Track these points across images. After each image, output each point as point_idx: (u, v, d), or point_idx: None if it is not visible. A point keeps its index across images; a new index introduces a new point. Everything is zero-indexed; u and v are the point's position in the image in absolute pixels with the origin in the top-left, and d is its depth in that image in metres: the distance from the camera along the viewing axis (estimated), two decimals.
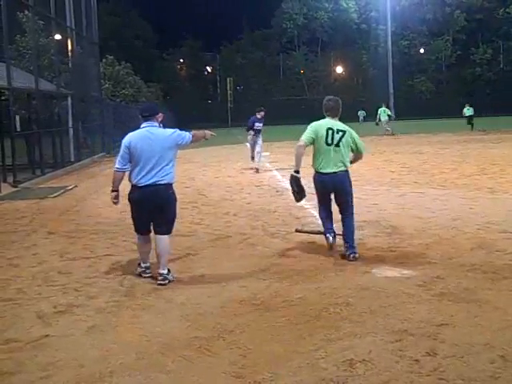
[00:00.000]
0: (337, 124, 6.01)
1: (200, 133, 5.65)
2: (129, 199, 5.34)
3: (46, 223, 8.47)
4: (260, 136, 14.58)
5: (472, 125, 30.21)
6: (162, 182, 5.19)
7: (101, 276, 5.51)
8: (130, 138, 5.28)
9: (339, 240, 6.31)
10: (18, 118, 14.00)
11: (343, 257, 5.88)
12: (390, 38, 54.68)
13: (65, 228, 8.01)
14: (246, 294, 4.81)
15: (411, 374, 3.29)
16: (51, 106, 18.09)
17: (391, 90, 54.31)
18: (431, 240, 6.49)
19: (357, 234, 6.16)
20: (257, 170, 14.24)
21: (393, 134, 28.44)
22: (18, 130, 13.92)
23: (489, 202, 8.94)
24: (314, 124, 6.08)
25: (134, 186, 5.27)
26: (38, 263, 6.07)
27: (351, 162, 6.16)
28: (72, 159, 18.31)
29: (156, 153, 5.16)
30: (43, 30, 19.98)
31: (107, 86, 34.03)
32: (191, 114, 51.18)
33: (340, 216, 6.13)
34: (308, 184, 6.28)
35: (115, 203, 5.40)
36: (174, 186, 5.39)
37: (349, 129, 6.06)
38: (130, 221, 5.55)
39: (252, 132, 14.62)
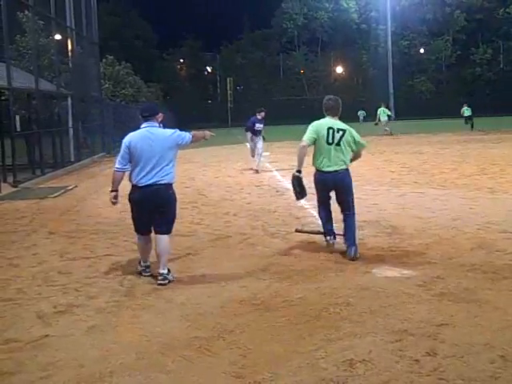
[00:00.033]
0: (337, 123, 6.07)
1: (200, 133, 5.68)
2: (129, 199, 5.35)
3: (46, 223, 8.47)
4: (261, 137, 14.54)
5: (472, 124, 30.21)
6: (163, 182, 5.20)
7: (101, 276, 5.51)
8: (131, 138, 5.29)
9: (339, 240, 6.33)
10: (18, 117, 14.01)
11: (344, 256, 5.90)
12: (390, 37, 54.75)
13: (65, 228, 8.01)
14: (246, 293, 4.81)
15: (411, 374, 3.29)
16: (51, 106, 18.09)
17: (391, 90, 54.36)
18: (431, 240, 6.49)
19: (357, 234, 6.17)
20: (256, 171, 14.23)
21: (391, 134, 28.40)
22: (18, 129, 13.93)
23: (489, 202, 8.94)
24: (315, 123, 6.12)
25: (134, 186, 5.28)
26: (38, 263, 6.07)
27: (351, 161, 6.21)
28: (72, 159, 18.31)
29: (156, 153, 5.17)
30: (43, 30, 19.99)
31: (107, 85, 34.03)
32: (191, 114, 51.17)
33: (341, 215, 6.16)
34: (309, 184, 6.30)
35: (114, 203, 5.39)
36: (174, 186, 5.40)
37: (349, 127, 6.13)
38: (130, 221, 5.55)
39: (250, 134, 14.61)
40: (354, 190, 6.25)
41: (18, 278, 5.51)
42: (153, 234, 5.38)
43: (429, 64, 59.53)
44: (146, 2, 67.10)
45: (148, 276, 5.42)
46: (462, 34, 59.24)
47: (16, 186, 12.79)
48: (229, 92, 55.11)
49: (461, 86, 56.25)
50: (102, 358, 3.65)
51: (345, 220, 6.10)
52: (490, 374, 3.26)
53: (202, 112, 54.45)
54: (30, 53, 18.48)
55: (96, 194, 11.38)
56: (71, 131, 18.73)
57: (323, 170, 6.02)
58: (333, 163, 5.97)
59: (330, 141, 5.96)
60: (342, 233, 6.52)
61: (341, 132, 6.00)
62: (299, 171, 6.11)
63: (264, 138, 14.87)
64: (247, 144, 15.77)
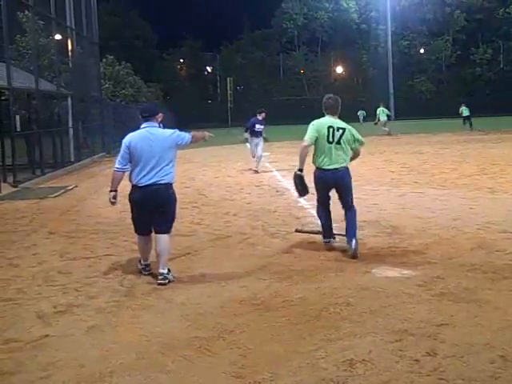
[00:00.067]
0: (337, 122, 6.15)
1: (199, 134, 5.72)
2: (129, 199, 5.35)
3: (46, 223, 8.47)
4: (261, 138, 14.50)
5: (470, 124, 30.23)
6: (163, 182, 5.21)
7: (101, 276, 5.51)
8: (131, 138, 5.30)
9: (339, 240, 6.34)
10: (18, 117, 14.00)
11: (345, 255, 5.93)
12: (390, 38, 54.79)
13: (65, 228, 8.01)
14: (246, 293, 4.81)
15: (411, 373, 3.29)
16: (51, 106, 18.09)
17: (391, 90, 54.38)
18: (431, 240, 6.49)
19: (357, 234, 6.18)
20: (256, 171, 14.21)
21: (390, 135, 28.35)
22: (18, 129, 13.92)
23: (489, 201, 8.94)
24: (316, 122, 6.19)
25: (134, 186, 5.29)
26: (38, 263, 6.08)
27: (350, 160, 6.30)
28: (72, 159, 18.32)
29: (156, 153, 5.18)
30: (43, 30, 19.99)
31: (107, 85, 34.03)
32: (191, 114, 51.13)
33: (343, 211, 6.27)
34: (310, 184, 6.32)
35: (113, 203, 5.39)
36: (174, 186, 5.42)
37: (348, 126, 6.21)
38: (130, 221, 5.56)
39: (248, 135, 14.59)
40: (353, 190, 6.33)
41: (18, 278, 5.51)
42: (153, 234, 5.39)
43: (429, 64, 59.50)
44: (146, 1, 67.18)
45: (148, 275, 5.43)
46: (462, 33, 59.22)
47: (16, 186, 12.80)
48: (229, 92, 55.02)
49: (461, 86, 56.21)
50: (102, 357, 3.65)
51: (346, 214, 6.22)
52: (490, 373, 3.26)
53: (201, 112, 54.41)
54: (30, 53, 18.48)
55: (96, 193, 11.38)
56: (71, 131, 18.73)
57: (323, 168, 6.09)
58: (333, 161, 6.06)
59: (331, 139, 6.04)
60: (342, 233, 6.58)
61: (341, 130, 6.08)
62: (301, 170, 6.17)
63: (266, 139, 14.87)
64: (247, 144, 15.77)
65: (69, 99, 18.94)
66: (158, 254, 5.27)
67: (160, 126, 5.52)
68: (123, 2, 58.04)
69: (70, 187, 12.72)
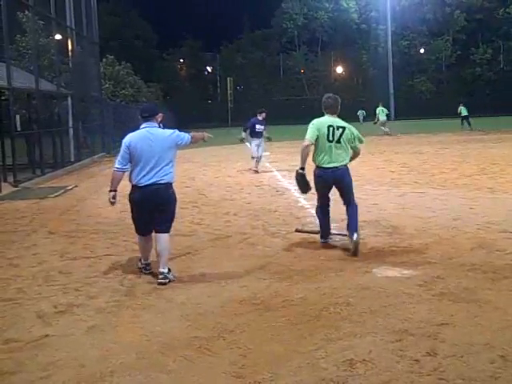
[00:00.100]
0: (336, 121, 6.23)
1: (199, 134, 5.76)
2: (129, 199, 5.36)
3: (46, 223, 8.47)
4: (262, 139, 14.48)
5: (469, 123, 30.27)
6: (162, 182, 5.22)
7: (101, 276, 5.51)
8: (130, 138, 5.31)
9: (338, 240, 6.35)
10: (18, 117, 14.01)
11: (344, 255, 5.95)
12: (390, 37, 54.75)
13: (65, 228, 8.02)
14: (246, 293, 4.81)
15: (411, 373, 3.29)
16: (51, 106, 18.09)
17: (391, 90, 54.35)
18: (431, 240, 6.49)
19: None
20: (256, 171, 14.20)
21: (389, 135, 28.33)
22: (19, 129, 13.93)
23: (489, 201, 8.94)
24: (316, 121, 6.26)
25: (134, 186, 5.30)
26: (39, 263, 6.08)
27: (350, 159, 6.38)
28: (72, 159, 18.32)
29: (156, 153, 5.20)
30: (43, 30, 20.00)
31: (107, 85, 34.03)
32: (191, 114, 51.13)
33: (344, 207, 6.36)
34: (311, 182, 6.37)
35: (112, 203, 5.40)
36: (174, 186, 5.42)
37: (348, 125, 6.29)
38: (130, 220, 5.56)
39: (245, 134, 14.59)
40: (354, 188, 6.43)
41: (18, 278, 5.51)
42: (153, 234, 5.40)
43: (429, 64, 59.48)
44: (146, 2, 67.15)
45: (148, 274, 5.43)
46: (462, 33, 59.19)
47: (16, 186, 12.80)
48: (229, 92, 55.04)
49: (461, 86, 56.18)
50: (103, 357, 3.65)
51: (347, 210, 6.30)
52: (490, 373, 3.26)
53: (202, 112, 54.42)
54: (30, 53, 18.49)
55: (96, 193, 11.38)
56: (71, 131, 18.74)
57: (323, 166, 6.18)
58: (333, 160, 6.15)
59: (331, 138, 6.13)
60: (342, 232, 6.61)
61: (340, 129, 6.17)
62: (302, 168, 6.25)
63: (269, 139, 14.84)
64: (247, 144, 15.76)
65: (69, 99, 18.95)
66: (158, 253, 5.28)
67: (160, 126, 5.53)
68: (123, 2, 58.05)
69: (70, 187, 12.73)
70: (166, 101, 50.42)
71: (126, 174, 5.35)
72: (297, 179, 6.38)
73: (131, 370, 3.45)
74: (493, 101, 51.93)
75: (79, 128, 19.59)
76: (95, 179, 14.40)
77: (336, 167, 6.14)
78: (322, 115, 6.30)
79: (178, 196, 5.47)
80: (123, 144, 5.31)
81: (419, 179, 11.89)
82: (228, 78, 55.61)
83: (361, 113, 45.46)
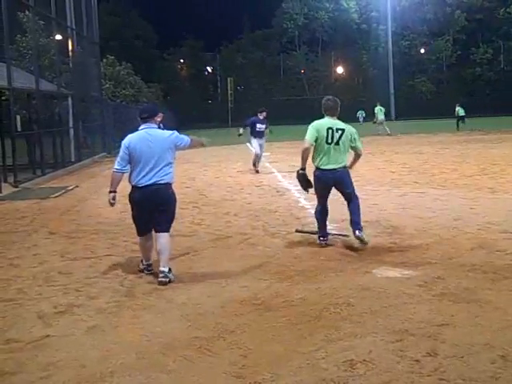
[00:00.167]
0: (336, 123, 6.30)
1: (198, 139, 5.87)
2: (129, 199, 5.38)
3: (46, 223, 8.48)
4: (263, 139, 14.46)
5: (464, 122, 30.36)
6: (162, 182, 5.25)
7: (101, 276, 5.52)
8: (130, 139, 5.33)
9: (338, 240, 6.35)
10: (18, 118, 14.02)
11: (345, 255, 5.97)
12: (390, 38, 54.75)
13: (65, 228, 8.02)
14: (247, 294, 4.81)
15: (412, 374, 3.29)
16: (52, 106, 18.10)
17: (392, 90, 54.35)
18: (432, 240, 6.49)
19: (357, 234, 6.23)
20: (257, 171, 14.19)
21: (389, 135, 28.32)
22: (19, 130, 13.94)
23: (489, 202, 8.93)
24: (316, 124, 6.33)
25: (134, 187, 5.32)
26: (39, 263, 6.08)
27: (352, 163, 6.51)
28: (72, 159, 18.33)
29: (155, 154, 5.22)
30: (44, 30, 19.99)
31: (108, 86, 34.02)
32: (191, 114, 51.21)
33: (347, 206, 6.46)
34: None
35: (112, 204, 5.41)
36: (175, 186, 5.44)
37: (347, 126, 6.37)
38: (131, 221, 5.58)
39: (241, 130, 14.60)
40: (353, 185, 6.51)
41: (18, 278, 5.52)
42: (153, 233, 5.41)
43: (429, 64, 59.45)
44: (146, 2, 67.14)
45: (149, 274, 5.44)
46: (463, 33, 59.16)
47: (17, 186, 12.80)
48: (229, 92, 55.08)
49: (461, 86, 56.16)
50: (103, 358, 3.65)
51: (349, 205, 6.39)
52: (491, 374, 3.26)
53: (202, 112, 54.48)
54: (31, 53, 18.50)
55: (96, 194, 11.38)
56: (72, 131, 18.74)
57: (323, 168, 6.26)
58: (332, 161, 6.23)
59: (330, 140, 6.20)
60: (342, 233, 6.63)
61: (340, 131, 6.24)
62: (303, 169, 6.35)
63: (271, 132, 14.81)
64: (247, 144, 15.74)
65: (69, 99, 18.95)
66: (158, 252, 5.29)
67: (160, 127, 5.55)
68: (123, 2, 58.02)
69: (71, 187, 12.73)
70: (166, 101, 50.43)
71: (126, 174, 5.36)
72: (298, 179, 6.54)
73: (131, 371, 3.45)
74: (493, 101, 51.91)
75: (80, 128, 19.59)
76: (96, 179, 14.41)
77: (335, 169, 6.23)
78: (323, 116, 6.39)
79: (178, 196, 5.48)
80: (122, 145, 5.33)
81: (419, 179, 11.88)
82: (228, 78, 55.68)
83: (360, 113, 45.42)
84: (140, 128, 5.39)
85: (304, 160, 6.25)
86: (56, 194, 11.63)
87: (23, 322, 4.33)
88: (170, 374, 3.40)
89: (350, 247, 6.28)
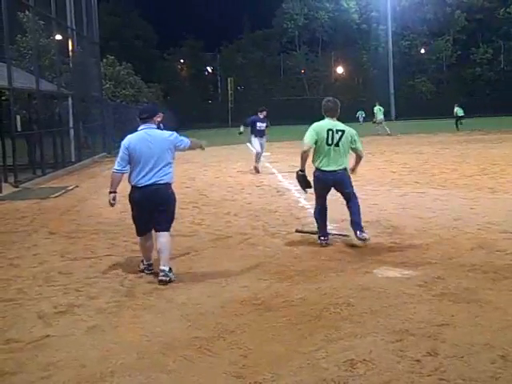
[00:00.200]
0: (336, 124, 6.33)
1: (197, 142, 5.87)
2: (129, 199, 5.39)
3: (46, 223, 8.48)
4: (264, 138, 14.46)
5: (461, 123, 30.33)
6: (162, 182, 5.26)
7: (101, 276, 5.52)
8: (130, 140, 5.34)
9: (338, 240, 6.35)
10: (18, 118, 14.02)
11: (345, 255, 5.97)
12: (390, 38, 54.72)
13: (65, 228, 8.02)
14: (247, 294, 4.81)
15: (412, 374, 3.29)
16: (52, 106, 18.10)
17: (392, 90, 54.32)
18: (432, 240, 6.49)
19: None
20: (257, 171, 14.18)
21: (389, 135, 28.31)
22: (19, 130, 13.94)
23: (489, 202, 8.93)
24: (315, 125, 6.37)
25: (133, 187, 5.34)
26: (39, 263, 6.08)
27: (355, 165, 6.59)
28: (73, 159, 18.34)
29: (155, 154, 5.24)
30: (44, 30, 19.99)
31: (108, 86, 34.02)
32: (192, 114, 51.18)
33: (346, 205, 6.50)
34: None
35: (112, 205, 5.43)
36: (175, 186, 5.45)
37: (347, 127, 6.39)
38: (131, 221, 5.58)
39: (242, 128, 14.61)
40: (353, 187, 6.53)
41: (18, 278, 5.52)
42: (153, 233, 5.42)
43: (429, 64, 59.42)
44: (147, 2, 67.07)
45: (150, 274, 5.44)
46: (463, 33, 59.13)
47: (17, 186, 12.80)
48: (229, 92, 55.04)
49: (461, 86, 56.13)
50: (103, 358, 3.65)
51: (349, 206, 6.41)
52: (491, 374, 3.26)
53: (202, 112, 54.45)
54: (31, 53, 18.50)
55: (96, 194, 11.38)
56: (72, 131, 18.74)
57: (322, 169, 6.30)
58: (332, 163, 6.27)
59: (330, 142, 6.24)
60: (342, 233, 6.64)
61: (340, 133, 6.27)
62: (303, 170, 6.41)
63: (270, 123, 14.80)
64: (248, 144, 15.74)
65: (69, 99, 18.95)
66: (158, 251, 5.30)
67: (160, 127, 5.56)
68: (123, 2, 57.97)
69: (71, 187, 12.73)
70: (166, 101, 50.41)
71: (126, 175, 5.37)
72: (298, 179, 6.59)
73: (132, 371, 3.45)
74: (493, 101, 51.88)
75: (80, 128, 19.59)
76: (96, 179, 14.41)
77: (335, 171, 6.27)
78: (322, 117, 6.42)
79: (178, 196, 5.49)
80: (122, 146, 5.35)
81: (420, 179, 11.88)
82: (228, 78, 55.64)
83: (360, 113, 45.40)
84: (139, 128, 5.41)
85: (303, 161, 6.32)
86: (56, 194, 11.64)
87: (23, 322, 4.34)
88: (170, 374, 3.40)
89: (351, 247, 6.28)
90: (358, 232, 6.21)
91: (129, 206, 5.46)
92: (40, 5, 16.52)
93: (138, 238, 5.56)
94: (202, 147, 5.92)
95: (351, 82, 61.62)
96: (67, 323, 4.30)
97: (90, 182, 13.87)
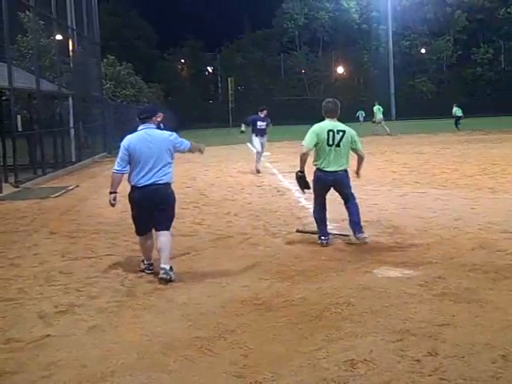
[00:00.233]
0: (337, 125, 6.36)
1: (197, 145, 5.90)
2: (129, 199, 5.40)
3: (47, 223, 8.48)
4: (265, 137, 14.45)
5: (459, 123, 30.34)
6: (161, 182, 5.28)
7: (102, 276, 5.52)
8: (129, 140, 5.35)
9: (338, 240, 6.35)
10: (19, 118, 14.02)
11: (344, 255, 5.97)
12: (390, 38, 54.73)
13: (66, 228, 8.02)
14: (248, 293, 4.81)
15: (412, 373, 3.29)
16: (52, 106, 18.09)
17: (392, 90, 54.32)
18: (432, 240, 6.49)
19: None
20: (258, 171, 14.18)
21: (390, 135, 28.31)
22: (20, 130, 13.95)
23: (490, 202, 8.93)
24: (316, 127, 6.41)
25: (133, 187, 5.35)
26: (40, 263, 6.08)
27: (358, 168, 6.66)
28: (73, 159, 18.34)
29: (154, 154, 5.26)
30: (44, 31, 19.99)
31: (108, 86, 34.02)
32: (192, 114, 51.20)
33: (344, 205, 6.56)
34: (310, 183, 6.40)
35: (113, 205, 5.43)
36: (175, 186, 5.46)
37: (348, 128, 6.43)
38: (131, 220, 5.58)
39: (243, 126, 14.60)
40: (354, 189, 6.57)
41: (19, 278, 5.52)
42: (154, 232, 5.43)
43: (430, 64, 59.39)
44: (146, 2, 67.06)
45: (150, 274, 5.45)
46: (463, 33, 59.10)
47: (17, 186, 12.81)
48: (230, 92, 55.03)
49: (462, 86, 56.12)
50: (104, 357, 3.65)
51: (348, 207, 6.46)
52: (492, 373, 3.26)
53: (202, 112, 54.46)
54: (31, 53, 18.51)
55: (97, 194, 11.38)
56: (72, 131, 18.75)
57: (324, 169, 6.34)
58: (332, 164, 6.31)
59: (331, 142, 6.28)
60: (342, 233, 6.64)
61: (341, 133, 6.31)
62: (302, 171, 6.45)
63: (272, 123, 14.78)
64: (248, 144, 15.73)
65: (70, 99, 18.96)
66: (159, 250, 5.31)
67: (160, 127, 5.57)
68: (123, 2, 57.97)
69: (71, 187, 12.73)
70: (166, 101, 50.40)
71: (126, 174, 5.37)
72: (297, 180, 6.63)
73: (132, 370, 3.45)
74: (494, 101, 51.86)
75: (80, 128, 19.60)
76: (96, 179, 14.41)
77: (335, 171, 6.31)
78: (323, 117, 6.45)
79: (178, 196, 5.50)
80: (122, 146, 5.36)
81: (420, 179, 11.88)
82: (229, 78, 55.61)
83: (360, 113, 45.39)
84: (139, 128, 5.41)
85: (303, 163, 6.37)
86: (56, 194, 11.64)
87: (24, 322, 4.34)
88: (170, 374, 3.40)
89: (351, 247, 6.28)
90: (357, 232, 6.27)
91: (129, 206, 5.47)
92: (40, 5, 16.52)
93: (138, 237, 5.57)
94: (200, 151, 5.93)
95: (352, 81, 61.59)
96: (68, 323, 4.30)
97: (91, 182, 13.87)
